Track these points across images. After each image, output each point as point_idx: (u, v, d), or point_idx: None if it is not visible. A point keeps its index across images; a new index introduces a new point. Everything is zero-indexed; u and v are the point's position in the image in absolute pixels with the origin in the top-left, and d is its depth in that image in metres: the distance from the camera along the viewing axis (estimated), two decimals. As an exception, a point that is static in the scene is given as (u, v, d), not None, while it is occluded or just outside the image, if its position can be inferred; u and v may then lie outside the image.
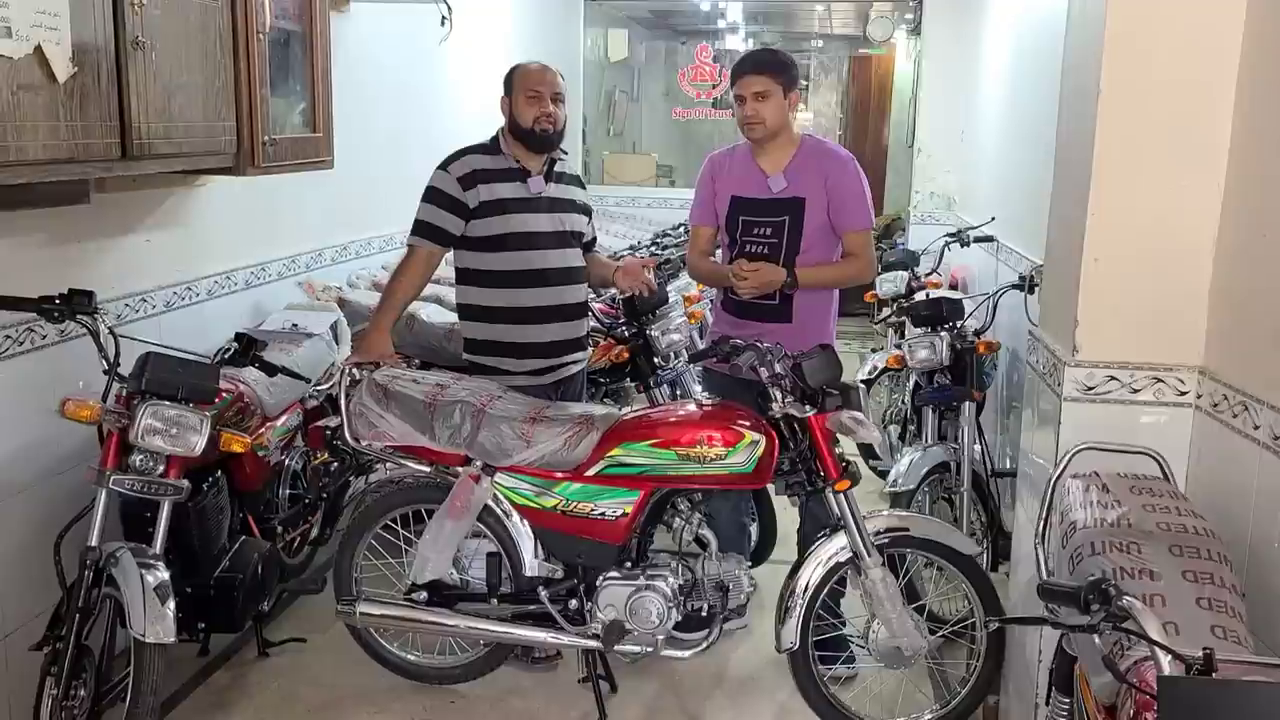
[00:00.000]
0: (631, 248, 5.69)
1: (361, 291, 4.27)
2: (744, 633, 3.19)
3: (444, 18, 5.10)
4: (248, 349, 3.02)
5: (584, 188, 3.47)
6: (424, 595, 2.92)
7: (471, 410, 2.81)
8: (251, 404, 3.18)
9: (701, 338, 4.32)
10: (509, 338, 3.22)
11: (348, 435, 2.87)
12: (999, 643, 2.83)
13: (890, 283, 5.16)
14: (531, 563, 2.84)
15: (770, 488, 2.95)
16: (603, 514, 2.78)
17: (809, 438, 2.71)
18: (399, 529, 3.07)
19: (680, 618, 2.80)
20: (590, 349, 3.56)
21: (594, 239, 3.49)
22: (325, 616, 3.31)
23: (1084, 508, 2.04)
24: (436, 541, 2.79)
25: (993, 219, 5.10)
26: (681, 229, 5.90)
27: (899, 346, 4.27)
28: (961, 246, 5.17)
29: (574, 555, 2.85)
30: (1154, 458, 2.20)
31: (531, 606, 2.87)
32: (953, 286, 5.43)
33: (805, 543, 3.10)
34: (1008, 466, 3.95)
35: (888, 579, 2.74)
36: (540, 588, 2.84)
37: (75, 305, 2.55)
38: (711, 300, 4.43)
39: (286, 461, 3.46)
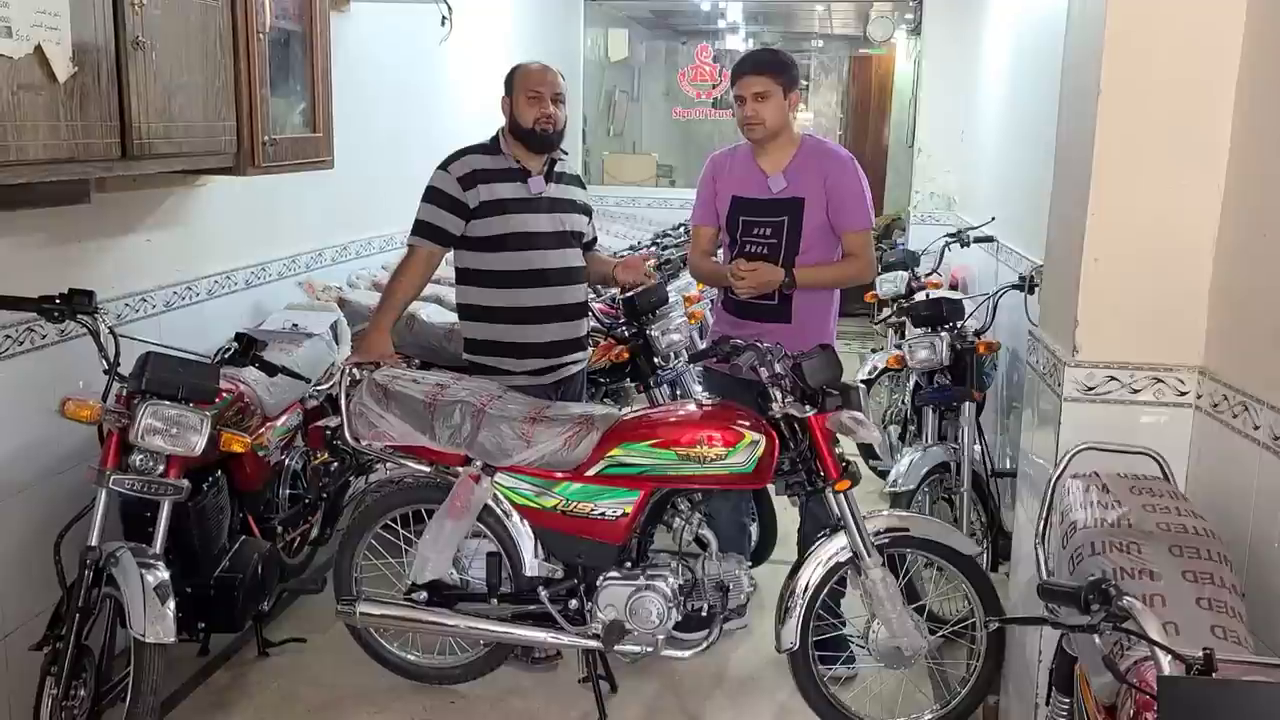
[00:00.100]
0: (631, 248, 5.69)
1: (361, 291, 4.27)
2: (744, 633, 3.19)
3: (444, 18, 5.10)
4: (248, 349, 3.02)
5: (584, 188, 3.47)
6: (424, 595, 2.92)
7: (471, 410, 2.81)
8: (251, 404, 3.18)
9: (702, 338, 4.32)
10: (509, 338, 3.22)
11: (348, 435, 2.87)
12: (999, 643, 2.83)
13: (890, 283, 5.16)
14: (531, 563, 2.84)
15: (770, 488, 2.95)
16: (603, 514, 2.78)
17: (809, 438, 2.71)
18: (399, 529, 3.06)
19: (680, 618, 2.80)
20: (590, 349, 3.56)
21: (595, 239, 3.49)
22: (325, 616, 3.31)
23: (1084, 508, 2.04)
24: (436, 541, 2.79)
25: (993, 219, 5.10)
26: (681, 229, 5.91)
27: (899, 347, 4.27)
28: (961, 247, 5.17)
29: (574, 555, 2.85)
30: (1154, 458, 2.20)
31: (531, 606, 2.87)
32: (953, 287, 5.43)
33: (805, 543, 3.10)
34: (1008, 466, 3.95)
35: (888, 579, 2.74)
36: (540, 588, 2.84)
37: (75, 305, 2.55)
38: (712, 300, 4.44)
39: (286, 461, 3.46)
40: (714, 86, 8.75)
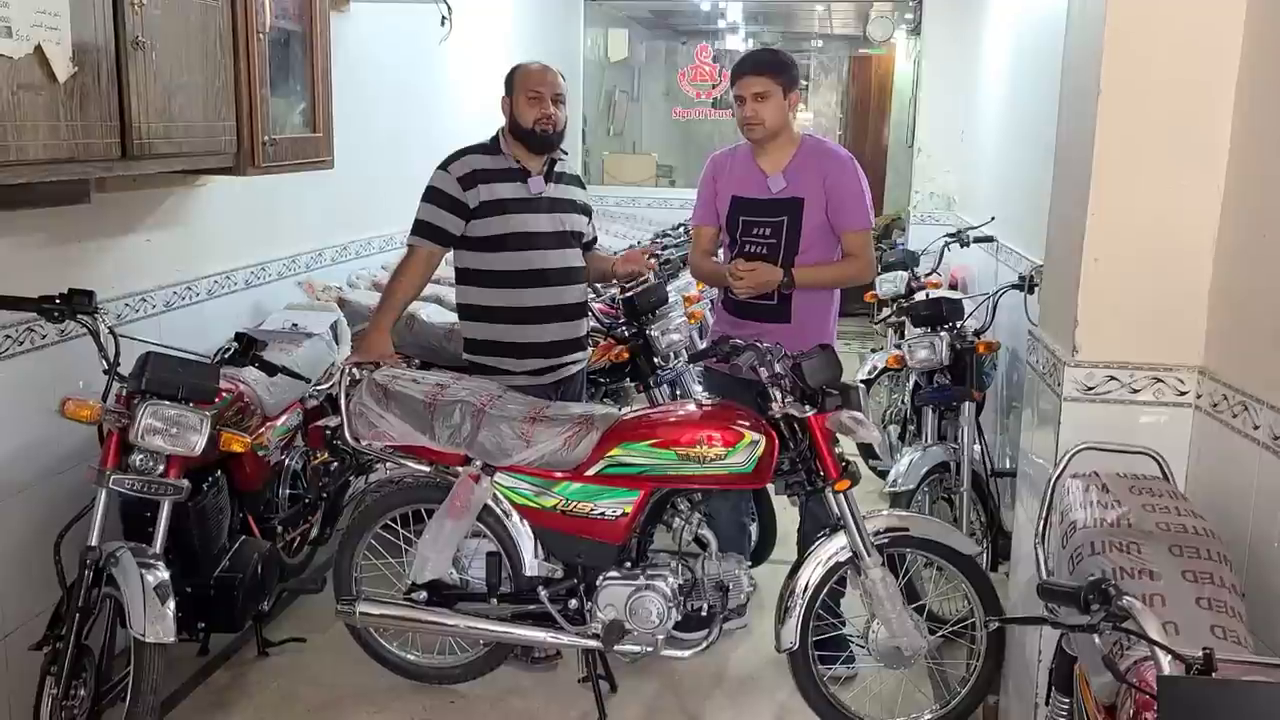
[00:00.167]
0: (631, 248, 5.69)
1: (361, 291, 4.27)
2: (744, 632, 3.19)
3: (444, 18, 5.09)
4: (248, 349, 3.02)
5: (584, 188, 3.47)
6: (424, 595, 2.92)
7: (471, 410, 2.81)
8: (251, 404, 3.18)
9: (702, 338, 4.32)
10: (509, 338, 3.22)
11: (348, 435, 2.87)
12: (999, 643, 2.83)
13: (890, 283, 5.16)
14: (531, 562, 2.84)
15: (770, 487, 2.95)
16: (602, 514, 2.78)
17: (809, 438, 2.71)
18: (399, 529, 3.06)
19: (680, 617, 2.80)
20: (590, 349, 3.56)
21: (595, 239, 3.49)
22: (325, 616, 3.30)
23: (1084, 508, 2.04)
24: (436, 541, 2.79)
25: (992, 219, 5.10)
26: (681, 229, 5.91)
27: (899, 346, 4.27)
28: (961, 246, 5.17)
29: (574, 555, 2.85)
30: (1154, 458, 2.20)
31: (531, 606, 2.87)
32: (952, 286, 5.43)
33: (805, 542, 3.10)
34: (1007, 466, 3.94)
35: (887, 579, 2.74)
36: (540, 587, 2.84)
37: (75, 305, 2.55)
38: (712, 300, 4.44)
39: (286, 461, 3.46)
40: (714, 86, 8.75)
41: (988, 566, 3.39)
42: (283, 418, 3.36)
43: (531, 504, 2.83)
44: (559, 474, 2.80)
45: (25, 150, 2.14)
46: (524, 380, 3.19)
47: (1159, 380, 2.32)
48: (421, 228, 3.19)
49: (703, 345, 3.83)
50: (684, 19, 10.36)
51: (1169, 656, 1.50)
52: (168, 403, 2.50)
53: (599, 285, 4.19)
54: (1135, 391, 2.34)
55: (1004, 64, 5.53)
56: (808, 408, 2.68)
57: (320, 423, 3.22)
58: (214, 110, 2.83)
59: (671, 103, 9.46)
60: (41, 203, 2.66)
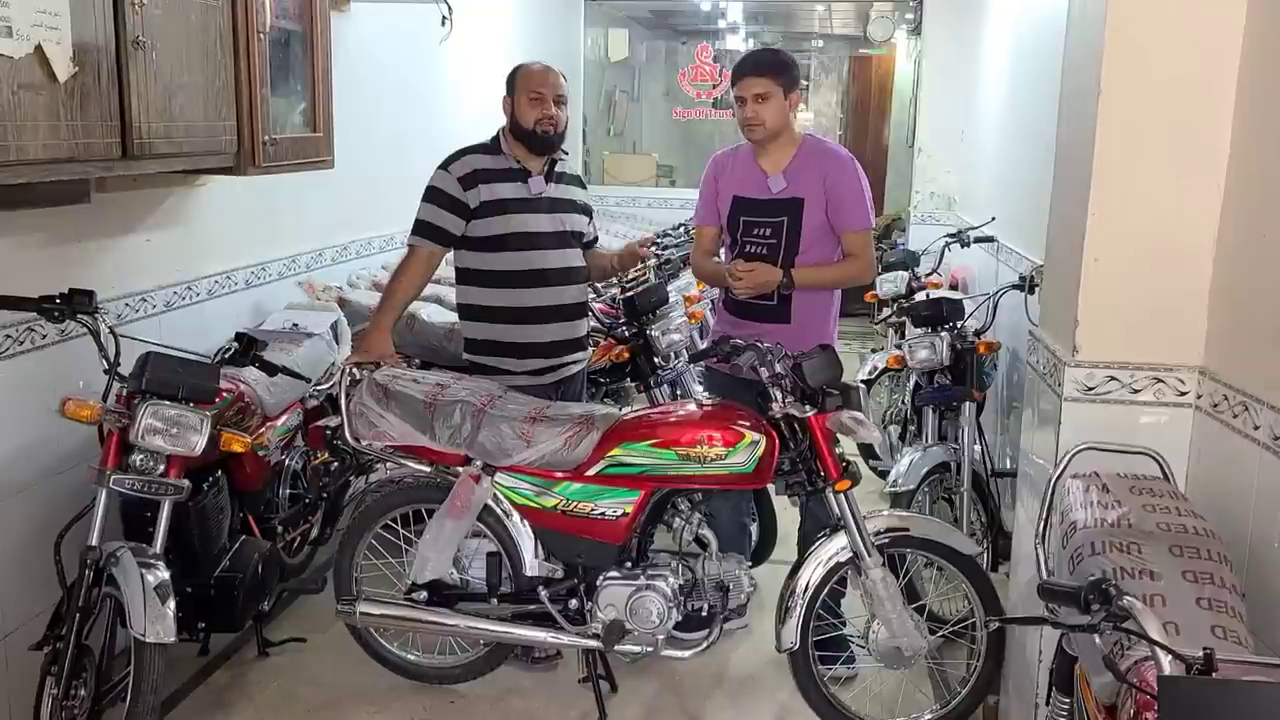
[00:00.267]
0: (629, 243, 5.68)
1: (362, 291, 4.27)
2: (744, 633, 3.20)
3: (444, 18, 5.09)
4: (248, 349, 3.02)
5: (584, 188, 3.47)
6: (424, 595, 2.92)
7: (472, 410, 2.81)
8: (252, 404, 3.18)
9: (702, 338, 4.32)
10: (509, 338, 3.22)
11: (348, 435, 2.87)
12: (999, 643, 2.83)
13: (890, 283, 5.16)
14: (531, 562, 2.84)
15: (770, 488, 2.95)
16: (603, 514, 2.78)
17: (809, 438, 2.71)
18: (399, 529, 3.07)
19: (680, 618, 2.80)
20: (590, 349, 3.56)
21: (595, 239, 3.49)
22: (325, 616, 3.30)
23: (1084, 508, 2.04)
24: (436, 541, 2.79)
25: (993, 219, 5.10)
26: (682, 229, 5.91)
27: (899, 347, 4.27)
28: (962, 247, 5.17)
29: (574, 555, 2.85)
30: (1154, 458, 2.20)
31: (531, 606, 2.87)
32: (953, 287, 5.43)
33: (805, 543, 3.10)
34: (1008, 466, 3.95)
35: (888, 579, 2.74)
36: (540, 587, 2.84)
37: (76, 305, 2.55)
38: (712, 300, 4.44)
39: (287, 461, 3.46)
40: (714, 86, 8.74)
41: (988, 567, 3.39)
42: (283, 418, 3.36)
43: (532, 504, 2.83)
44: (559, 474, 2.80)
45: (25, 150, 2.14)
46: (524, 380, 3.20)
47: (1159, 380, 2.32)
48: (422, 228, 3.19)
49: (703, 345, 3.83)
50: (684, 19, 10.36)
51: (1169, 656, 1.50)
52: (168, 403, 2.50)
53: (599, 285, 4.20)
54: (1135, 392, 2.34)
55: (1004, 64, 5.53)
56: (808, 408, 2.68)
57: (320, 423, 3.22)
58: (214, 110, 2.83)
59: (672, 103, 9.46)
60: (42, 203, 2.66)
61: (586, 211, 3.40)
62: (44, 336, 2.80)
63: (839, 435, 2.74)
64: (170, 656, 2.51)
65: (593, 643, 2.84)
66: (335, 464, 3.08)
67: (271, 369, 3.05)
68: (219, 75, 2.83)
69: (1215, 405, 2.22)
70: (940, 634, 2.95)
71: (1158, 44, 2.21)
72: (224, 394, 2.95)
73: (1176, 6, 2.20)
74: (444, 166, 3.21)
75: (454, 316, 3.58)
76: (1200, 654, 1.45)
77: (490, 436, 2.79)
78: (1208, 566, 1.83)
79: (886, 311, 5.17)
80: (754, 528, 3.64)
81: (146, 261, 3.27)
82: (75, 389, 2.76)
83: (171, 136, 2.62)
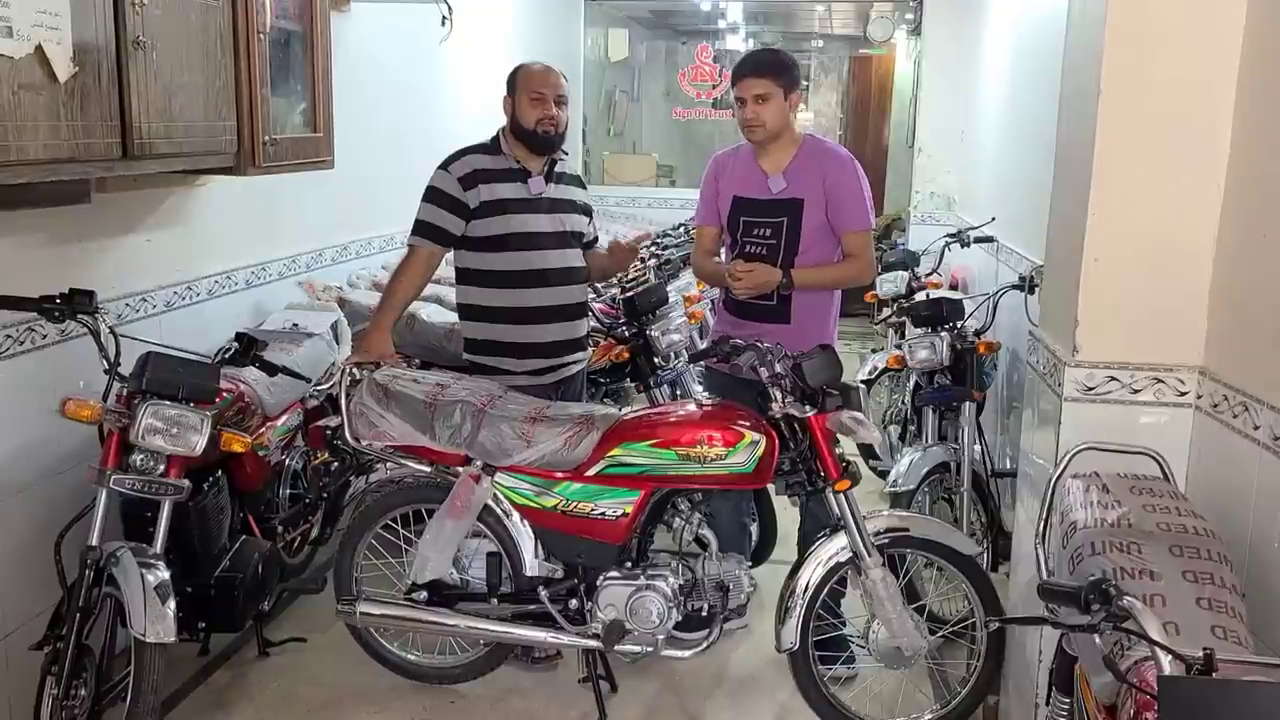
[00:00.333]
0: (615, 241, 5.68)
1: (362, 291, 4.27)
2: (744, 633, 3.20)
3: (444, 18, 5.10)
4: (248, 349, 3.02)
5: (584, 188, 3.47)
6: (424, 595, 2.92)
7: (472, 410, 2.81)
8: (252, 404, 3.18)
9: (702, 338, 4.32)
10: (509, 338, 3.22)
11: (348, 435, 2.87)
12: (999, 643, 2.83)
13: (890, 283, 5.16)
14: (532, 562, 2.84)
15: (770, 488, 2.95)
16: (603, 514, 2.78)
17: (809, 438, 2.71)
18: (399, 529, 3.07)
19: (680, 618, 2.80)
20: (590, 349, 3.56)
21: (596, 239, 3.49)
22: (325, 616, 3.31)
23: (1084, 508, 2.04)
24: (436, 541, 2.79)
25: (993, 219, 5.10)
26: (682, 229, 5.91)
27: (899, 347, 4.27)
28: (962, 247, 5.17)
29: (574, 555, 2.85)
30: (1154, 458, 2.20)
31: (532, 606, 2.87)
32: (953, 287, 5.43)
33: (805, 543, 3.10)
34: (1008, 467, 3.94)
35: (888, 579, 2.74)
36: (540, 587, 2.84)
37: (76, 305, 2.55)
38: (712, 300, 4.44)
39: (287, 461, 3.46)
40: (714, 86, 8.75)
41: (988, 567, 3.39)
42: (283, 418, 3.36)
43: (532, 504, 2.83)
44: (559, 474, 2.80)
45: (26, 150, 2.14)
46: (524, 380, 3.20)
47: (1159, 380, 2.32)
48: (422, 228, 3.19)
49: (703, 345, 3.83)
50: (684, 19, 10.36)
51: (1169, 656, 1.50)
52: (168, 403, 2.50)
53: (599, 285, 4.20)
54: (1135, 392, 2.34)
55: (1004, 64, 5.53)
56: (808, 408, 2.68)
57: (321, 423, 3.22)
58: (214, 110, 2.83)
59: (672, 103, 9.46)
60: (42, 203, 2.66)
61: (586, 212, 3.40)
62: (44, 336, 2.80)
63: (839, 435, 2.74)
64: (170, 656, 2.51)
65: (593, 643, 2.84)
66: (335, 464, 3.08)
67: (271, 369, 3.05)
68: (219, 75, 2.83)
69: (1215, 405, 2.22)
70: (940, 634, 2.95)
71: (1158, 44, 2.22)
72: (224, 394, 2.95)
73: (1177, 7, 2.20)
74: (444, 166, 3.20)
75: (454, 316, 3.58)
76: (1200, 654, 1.45)
77: (490, 436, 2.79)
78: (1208, 566, 1.83)
79: (886, 311, 5.17)
80: (754, 528, 3.64)
81: (147, 261, 3.27)
82: (75, 389, 2.75)
83: (171, 136, 2.62)
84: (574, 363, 3.35)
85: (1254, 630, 1.82)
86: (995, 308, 3.95)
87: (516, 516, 2.84)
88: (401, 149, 4.83)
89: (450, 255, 3.28)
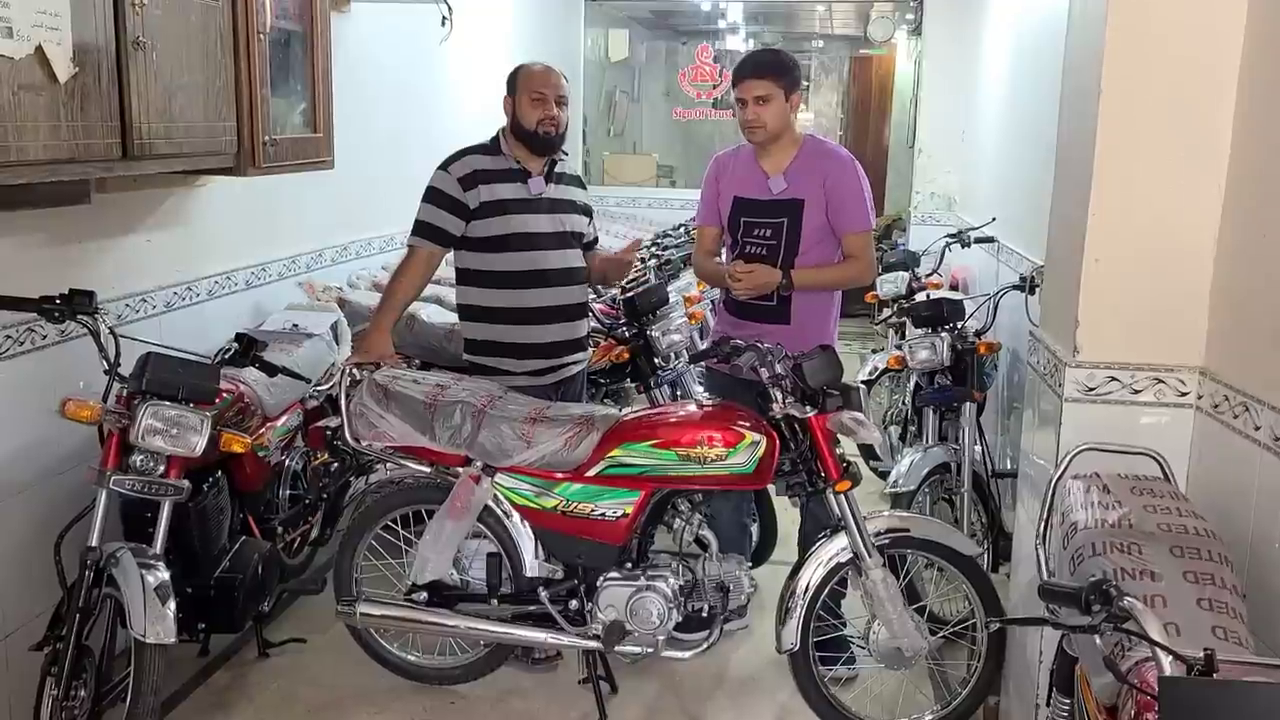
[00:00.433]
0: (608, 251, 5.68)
1: (362, 292, 4.27)
2: (744, 633, 3.20)
3: (444, 18, 5.10)
4: (248, 349, 3.01)
5: (584, 188, 3.47)
6: (424, 596, 2.92)
7: (472, 410, 2.81)
8: (252, 404, 3.18)
9: (702, 338, 4.32)
10: (509, 338, 3.22)
11: (348, 435, 2.87)
12: (1000, 643, 2.83)
13: (891, 283, 5.16)
14: (532, 563, 2.84)
15: (771, 488, 2.95)
16: (603, 514, 2.78)
17: (809, 438, 2.70)
18: (399, 529, 3.06)
19: (681, 618, 2.80)
20: (591, 349, 3.56)
21: (596, 239, 3.49)
22: (325, 617, 3.30)
23: (1085, 508, 2.04)
24: (436, 542, 2.79)
25: (993, 219, 5.10)
26: (682, 229, 5.91)
27: (899, 347, 4.27)
28: (962, 247, 5.17)
29: (574, 556, 2.85)
30: (1155, 458, 2.20)
31: (532, 607, 2.87)
32: (953, 287, 5.43)
33: (806, 543, 3.10)
34: (1008, 467, 3.94)
35: (888, 580, 2.73)
36: (540, 588, 2.84)
37: (76, 305, 2.55)
38: (713, 301, 4.44)
39: (287, 462, 3.45)
40: (714, 87, 8.75)
41: (988, 567, 3.39)
42: (283, 418, 3.36)
43: (532, 505, 2.83)
44: (559, 475, 2.80)
45: (26, 150, 2.14)
46: (524, 381, 3.19)
47: (1160, 381, 2.32)
48: (422, 228, 3.19)
49: (703, 346, 3.83)
50: (684, 19, 10.37)
51: (1170, 657, 1.50)
52: (168, 403, 2.50)
53: (600, 286, 4.19)
54: (1136, 392, 2.33)
55: (1004, 64, 5.53)
56: (808, 408, 2.67)
57: (320, 423, 3.22)
58: (214, 110, 2.82)
59: (672, 103, 9.46)
60: (42, 203, 2.66)
61: (586, 212, 3.40)
62: (44, 337, 2.80)
63: (839, 436, 2.74)
64: (170, 657, 2.50)
65: (593, 643, 2.84)
66: (335, 464, 3.07)
67: (271, 369, 3.05)
68: (219, 75, 2.82)
69: (1216, 406, 2.21)
70: (941, 635, 2.95)
71: (1158, 44, 2.21)
72: (224, 394, 2.95)
73: (1177, 7, 2.20)
74: (444, 167, 3.20)
75: (454, 317, 3.58)
76: (1201, 655, 1.45)
77: (490, 437, 2.79)
78: (1208, 567, 1.83)
79: (887, 312, 5.17)
80: (754, 528, 3.64)
81: (147, 262, 3.27)
82: (75, 389, 2.75)
83: (171, 137, 2.62)
84: (574, 363, 3.35)
85: (1254, 631, 1.82)
86: (996, 308, 3.95)
87: (516, 517, 2.84)
88: (401, 149, 4.83)
89: (450, 256, 3.28)
